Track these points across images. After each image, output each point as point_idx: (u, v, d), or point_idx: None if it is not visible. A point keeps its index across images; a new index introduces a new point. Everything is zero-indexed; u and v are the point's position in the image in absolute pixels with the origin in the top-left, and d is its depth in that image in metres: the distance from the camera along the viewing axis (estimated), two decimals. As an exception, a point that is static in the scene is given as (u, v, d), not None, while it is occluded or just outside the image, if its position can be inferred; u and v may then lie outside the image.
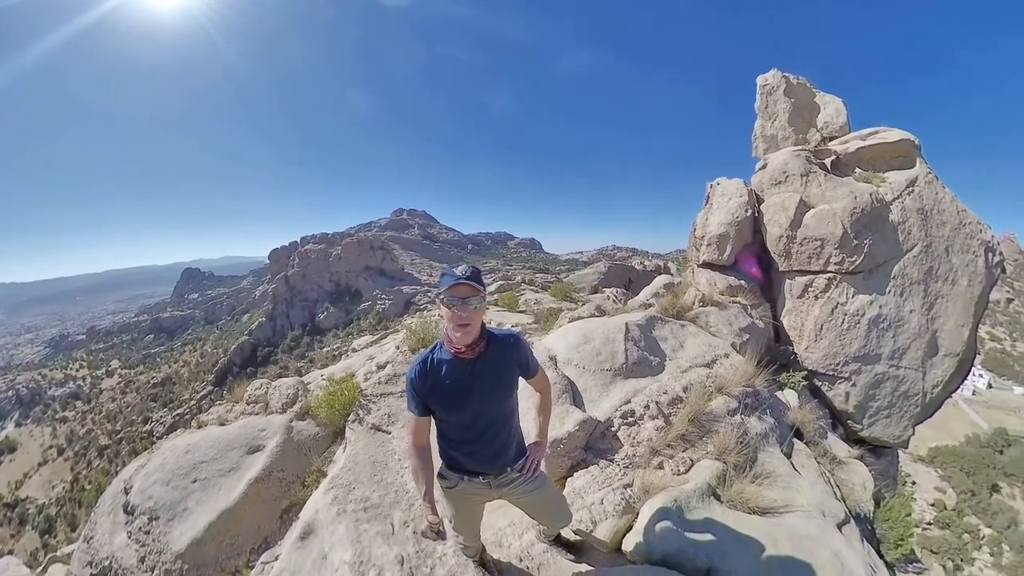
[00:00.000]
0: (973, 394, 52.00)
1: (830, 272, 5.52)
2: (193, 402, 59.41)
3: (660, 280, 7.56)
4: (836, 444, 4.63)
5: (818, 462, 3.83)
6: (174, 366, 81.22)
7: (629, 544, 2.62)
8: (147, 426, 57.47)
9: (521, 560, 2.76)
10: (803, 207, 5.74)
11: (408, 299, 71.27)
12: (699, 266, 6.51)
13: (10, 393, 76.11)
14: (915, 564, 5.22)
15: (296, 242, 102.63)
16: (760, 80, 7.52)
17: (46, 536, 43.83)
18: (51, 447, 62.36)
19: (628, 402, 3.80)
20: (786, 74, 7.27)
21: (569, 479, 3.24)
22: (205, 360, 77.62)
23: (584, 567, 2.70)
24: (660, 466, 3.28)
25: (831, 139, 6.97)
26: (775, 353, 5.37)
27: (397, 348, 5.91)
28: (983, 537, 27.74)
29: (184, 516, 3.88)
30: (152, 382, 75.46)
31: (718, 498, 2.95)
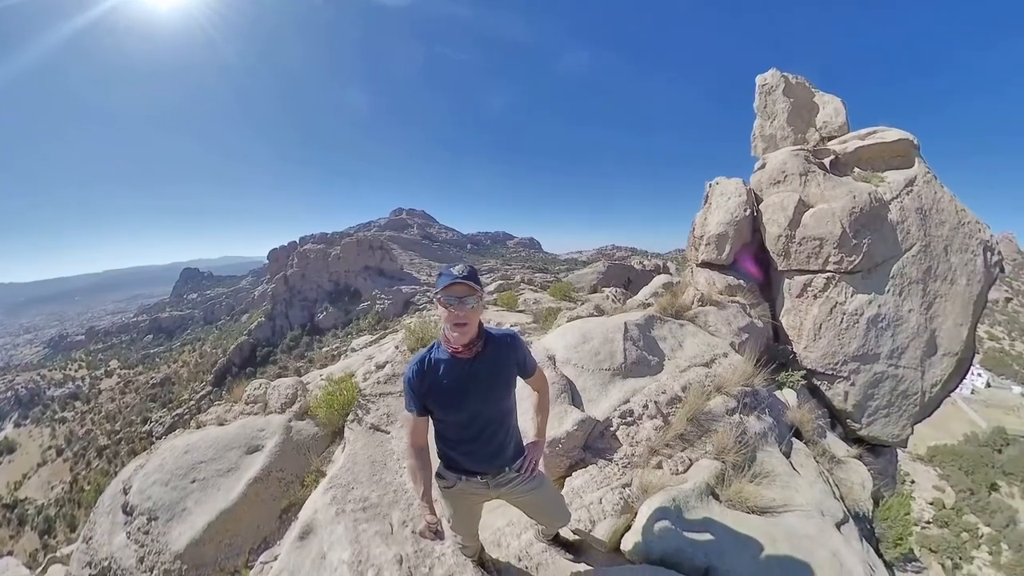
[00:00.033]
0: (972, 393, 52.10)
1: (829, 271, 5.53)
2: (192, 402, 59.32)
3: (659, 279, 7.57)
4: (835, 443, 4.63)
5: (817, 461, 3.83)
6: (173, 366, 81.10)
7: (628, 544, 2.63)
8: (146, 426, 57.38)
9: (520, 560, 2.76)
10: (802, 206, 5.75)
11: (407, 299, 71.25)
12: (698, 265, 6.52)
13: (9, 394, 75.90)
14: (914, 563, 5.24)
15: (295, 242, 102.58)
16: (759, 80, 7.52)
17: (45, 537, 43.75)
18: (50, 448, 62.22)
19: (627, 402, 3.80)
20: (785, 74, 7.27)
21: (568, 479, 3.25)
22: (204, 360, 77.52)
23: (583, 567, 2.69)
24: (659, 466, 3.28)
25: (830, 139, 6.97)
26: (774, 352, 5.37)
27: (396, 348, 5.91)
28: (982, 536, 27.82)
29: (183, 516, 3.87)
30: (151, 382, 75.32)
31: (717, 497, 2.95)
